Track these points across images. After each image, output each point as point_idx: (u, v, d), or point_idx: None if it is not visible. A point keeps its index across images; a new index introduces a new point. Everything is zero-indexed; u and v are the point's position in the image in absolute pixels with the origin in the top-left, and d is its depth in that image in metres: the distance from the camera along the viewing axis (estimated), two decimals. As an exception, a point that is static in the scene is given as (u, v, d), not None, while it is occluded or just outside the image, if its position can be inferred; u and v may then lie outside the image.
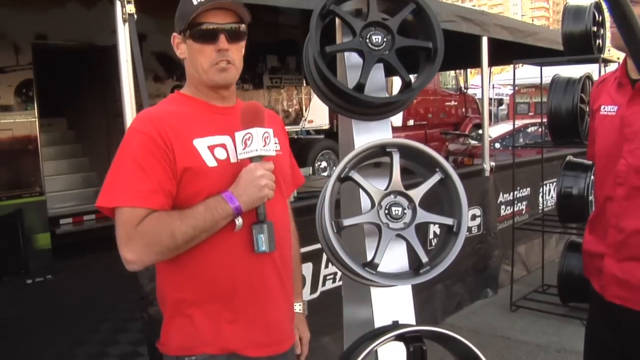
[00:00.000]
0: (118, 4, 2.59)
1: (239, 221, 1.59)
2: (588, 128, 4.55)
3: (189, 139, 1.60)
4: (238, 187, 1.57)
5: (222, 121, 1.67)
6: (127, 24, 2.61)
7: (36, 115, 6.56)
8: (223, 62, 1.64)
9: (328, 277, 3.69)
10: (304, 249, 2.21)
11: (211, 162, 1.60)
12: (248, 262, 1.64)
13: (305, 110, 9.95)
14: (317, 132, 10.52)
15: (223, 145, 1.64)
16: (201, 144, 1.61)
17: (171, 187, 1.57)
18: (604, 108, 2.11)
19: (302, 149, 9.86)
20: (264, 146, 1.59)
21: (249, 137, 1.58)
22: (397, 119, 12.78)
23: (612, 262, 2.04)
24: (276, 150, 1.69)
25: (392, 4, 2.20)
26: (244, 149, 1.59)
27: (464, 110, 14.39)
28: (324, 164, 10.03)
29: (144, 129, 1.58)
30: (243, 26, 1.69)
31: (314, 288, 3.60)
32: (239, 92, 9.42)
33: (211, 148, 1.62)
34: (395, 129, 12.64)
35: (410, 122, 12.99)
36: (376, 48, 2.09)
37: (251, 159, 1.59)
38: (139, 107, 2.67)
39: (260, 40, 8.76)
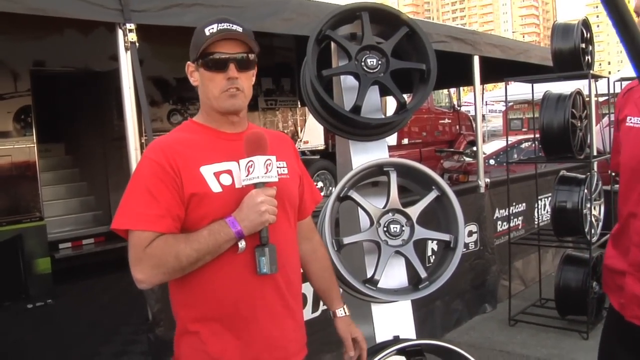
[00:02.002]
0: (120, 33, 2.67)
1: (241, 244, 1.66)
2: (580, 142, 4.67)
3: (196, 166, 1.68)
4: (240, 212, 1.65)
5: (230, 147, 1.74)
6: (129, 52, 2.69)
7: (35, 141, 6.60)
8: (232, 89, 1.72)
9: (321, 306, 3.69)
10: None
11: (216, 188, 1.68)
12: (250, 283, 1.71)
13: (301, 131, 10.01)
14: (313, 152, 10.57)
15: (229, 172, 1.71)
16: (207, 171, 1.69)
17: (179, 212, 1.65)
18: (630, 119, 2.03)
19: (298, 169, 9.90)
20: (266, 173, 1.65)
21: (251, 164, 1.65)
22: (391, 138, 12.69)
23: (634, 282, 1.97)
24: (282, 175, 1.75)
25: (386, 28, 2.29)
26: (247, 175, 1.66)
27: (457, 127, 14.48)
28: (320, 184, 10.08)
29: (155, 157, 1.68)
30: (252, 56, 1.77)
31: (315, 307, 3.62)
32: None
33: (217, 174, 1.70)
34: (390, 148, 12.67)
35: (405, 141, 13.05)
36: (371, 71, 2.17)
37: (255, 185, 1.66)
38: (142, 131, 2.73)
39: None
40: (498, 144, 11.26)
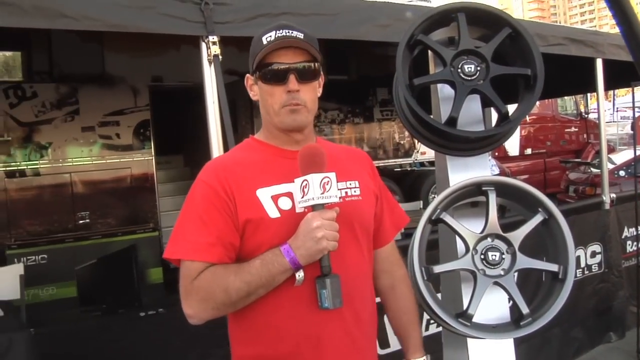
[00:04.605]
0: (203, 46, 2.61)
1: (299, 276, 1.48)
2: None
3: (252, 189, 1.52)
4: (296, 240, 1.46)
5: (292, 167, 1.55)
6: (212, 65, 2.62)
7: (153, 153, 6.89)
8: (293, 104, 1.55)
9: (431, 321, 3.49)
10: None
11: (274, 213, 1.51)
12: (313, 319, 1.52)
13: (418, 142, 9.78)
14: (431, 163, 10.29)
15: (289, 194, 1.53)
16: (264, 194, 1.52)
17: (233, 239, 1.50)
18: None
19: (414, 181, 9.69)
20: (323, 193, 1.44)
21: (306, 184, 1.46)
22: (514, 148, 12.29)
23: None
24: (353, 196, 1.58)
25: (486, 30, 2.05)
26: (302, 197, 1.47)
27: (585, 136, 13.60)
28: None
29: (208, 179, 1.54)
30: (316, 65, 1.59)
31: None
32: (350, 126, 9.14)
33: (275, 198, 1.53)
34: (512, 159, 12.15)
35: (528, 151, 12.46)
36: (469, 78, 1.94)
37: (313, 207, 1.47)
38: (226, 147, 2.67)
39: (370, 74, 8.73)
40: (630, 154, 10.38)
